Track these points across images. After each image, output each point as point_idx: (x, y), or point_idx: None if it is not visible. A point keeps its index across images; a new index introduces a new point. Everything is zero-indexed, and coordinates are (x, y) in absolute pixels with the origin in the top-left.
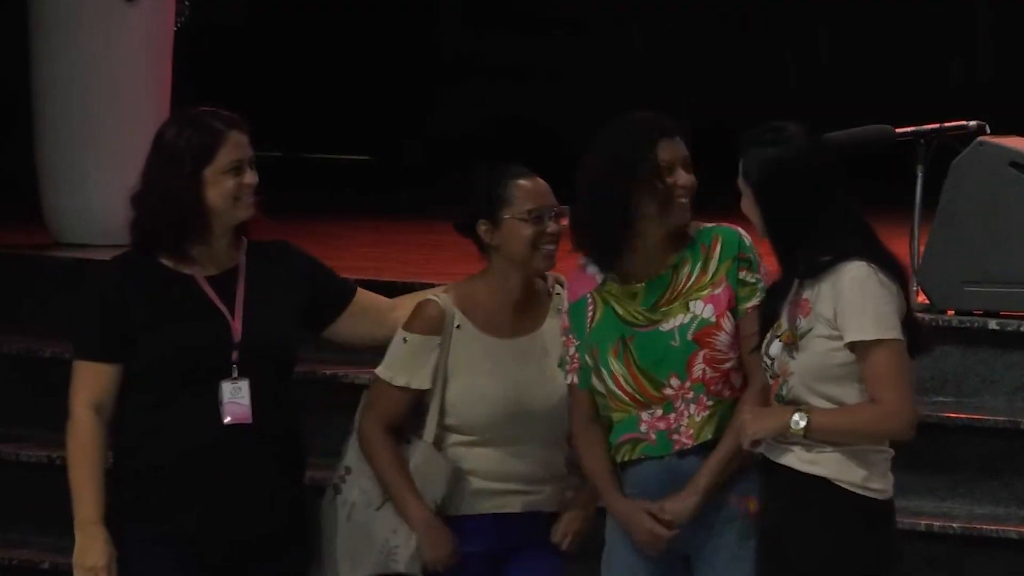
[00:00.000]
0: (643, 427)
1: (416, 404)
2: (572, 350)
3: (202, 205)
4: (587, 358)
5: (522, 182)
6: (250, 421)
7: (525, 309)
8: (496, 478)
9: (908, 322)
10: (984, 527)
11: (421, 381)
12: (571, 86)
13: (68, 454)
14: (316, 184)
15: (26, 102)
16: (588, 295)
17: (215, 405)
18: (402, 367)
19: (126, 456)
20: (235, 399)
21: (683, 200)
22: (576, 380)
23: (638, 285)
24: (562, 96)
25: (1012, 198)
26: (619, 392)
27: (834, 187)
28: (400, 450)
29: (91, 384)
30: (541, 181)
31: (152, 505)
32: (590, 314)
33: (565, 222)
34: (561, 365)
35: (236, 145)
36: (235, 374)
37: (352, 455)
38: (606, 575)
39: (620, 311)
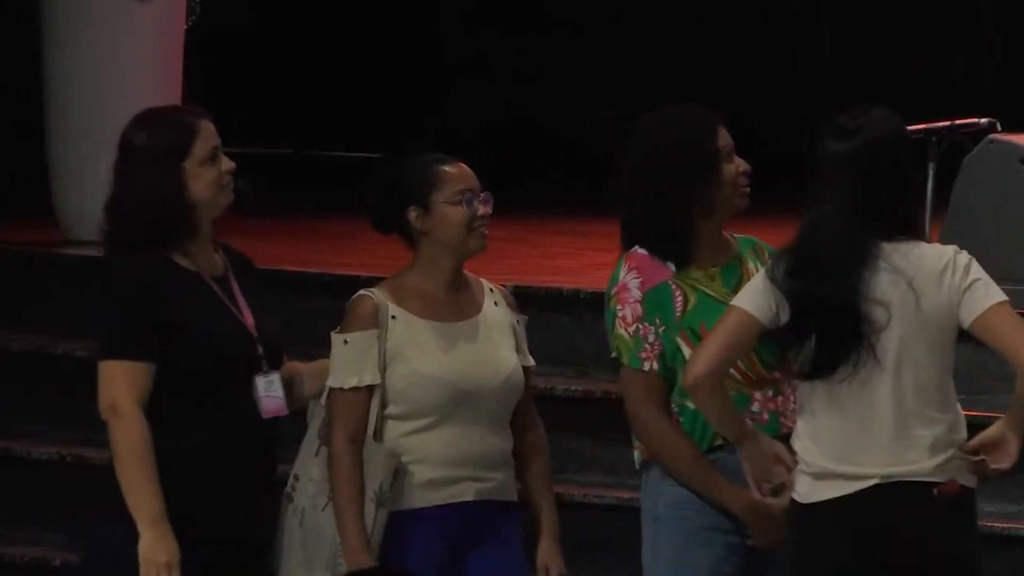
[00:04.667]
0: (756, 406)
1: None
2: (652, 337)
3: (187, 200)
4: (680, 341)
5: (447, 167)
6: (286, 413)
7: (459, 294)
8: (448, 463)
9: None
10: (995, 525)
11: (372, 377)
12: (575, 86)
13: (121, 454)
14: (323, 181)
15: (37, 100)
16: (669, 282)
17: (249, 401)
18: (348, 368)
19: (160, 458)
20: (269, 392)
21: (746, 187)
22: (656, 367)
23: (713, 269)
24: (566, 96)
25: (1022, 195)
26: (732, 371)
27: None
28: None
29: (133, 383)
30: (464, 166)
31: (189, 507)
32: (679, 299)
33: (489, 208)
34: (623, 354)
35: (209, 134)
36: (265, 367)
37: (299, 462)
38: (676, 572)
39: (713, 294)
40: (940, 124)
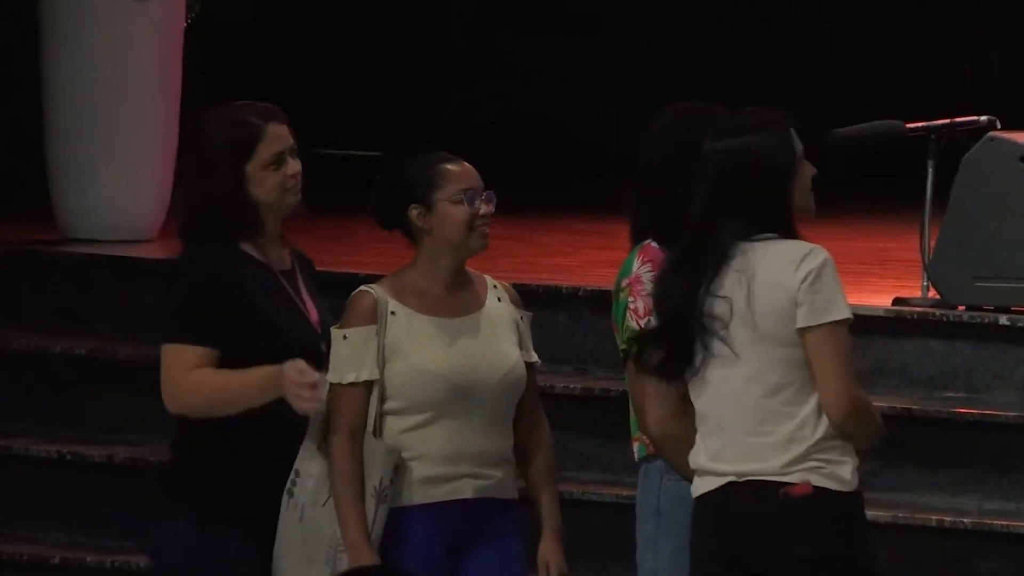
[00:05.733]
0: None
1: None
2: None
3: (248, 200)
4: None
5: (450, 166)
6: None
7: (460, 291)
8: (447, 460)
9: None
10: (995, 523)
11: (369, 372)
12: (580, 84)
13: (211, 406)
14: (324, 179)
15: (37, 100)
16: None
17: None
18: (347, 364)
19: (215, 453)
20: (327, 390)
21: None
22: None
23: None
24: (571, 94)
25: (1022, 193)
26: None
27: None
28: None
29: (195, 366)
30: (468, 165)
31: (241, 501)
32: None
33: (491, 207)
34: (633, 346)
35: (275, 137)
36: (326, 365)
37: (300, 458)
38: (677, 568)
39: None
40: (940, 122)
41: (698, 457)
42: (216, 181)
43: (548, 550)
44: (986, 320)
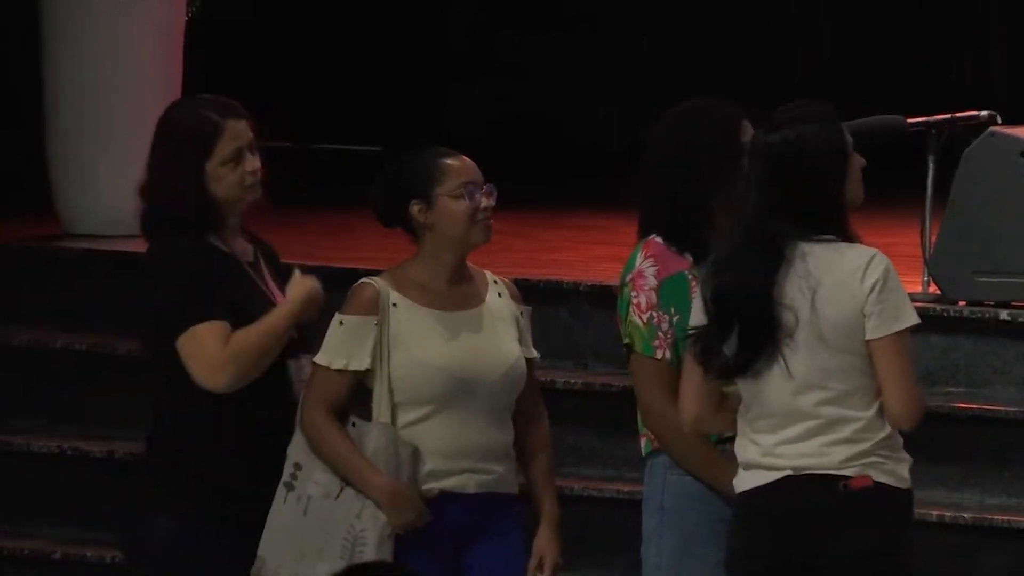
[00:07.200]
0: None
1: (357, 388)
2: (665, 325)
3: (208, 198)
4: None
5: (449, 161)
6: None
7: (462, 286)
8: (448, 454)
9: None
10: (995, 518)
11: (360, 362)
12: (581, 84)
13: (258, 349)
14: (323, 175)
15: (37, 96)
16: (687, 272)
17: (283, 383)
18: (338, 350)
19: (192, 441)
20: (303, 377)
21: None
22: (668, 356)
23: None
24: (572, 94)
25: (1023, 188)
26: None
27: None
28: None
29: (223, 338)
30: (467, 159)
31: (224, 484)
32: (696, 290)
33: (492, 200)
34: (636, 341)
35: (234, 134)
36: (298, 353)
37: (299, 450)
38: (680, 563)
39: None
40: (940, 117)
41: (746, 452)
42: (176, 178)
43: (545, 541)
44: (986, 315)
